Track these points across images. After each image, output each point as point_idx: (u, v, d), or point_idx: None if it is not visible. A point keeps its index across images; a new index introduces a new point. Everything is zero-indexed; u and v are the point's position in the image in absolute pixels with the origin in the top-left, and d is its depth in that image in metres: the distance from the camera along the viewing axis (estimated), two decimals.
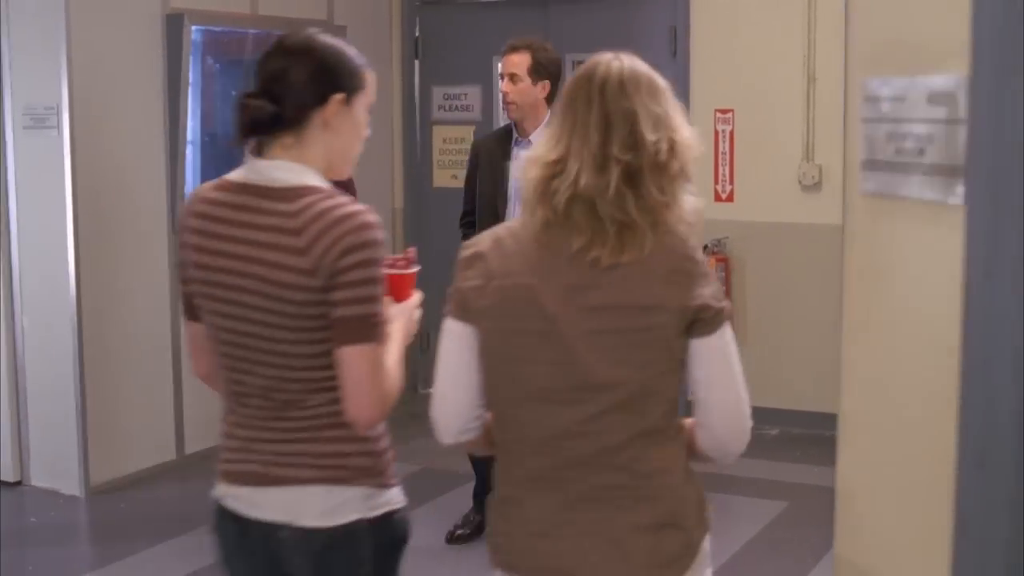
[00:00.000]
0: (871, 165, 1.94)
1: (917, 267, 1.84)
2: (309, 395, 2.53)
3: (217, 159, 7.10)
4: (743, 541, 5.58)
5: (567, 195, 2.31)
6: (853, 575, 2.06)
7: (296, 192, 2.48)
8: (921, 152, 1.81)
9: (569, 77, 2.56)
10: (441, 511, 5.77)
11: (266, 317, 2.47)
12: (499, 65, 5.03)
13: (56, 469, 6.29)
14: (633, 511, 2.31)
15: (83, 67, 6.05)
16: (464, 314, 2.41)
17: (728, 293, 7.25)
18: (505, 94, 5.02)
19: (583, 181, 2.31)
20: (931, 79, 1.78)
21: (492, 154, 5.16)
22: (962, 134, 1.70)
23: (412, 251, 2.70)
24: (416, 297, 2.74)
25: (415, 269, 2.70)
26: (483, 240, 2.45)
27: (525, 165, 2.43)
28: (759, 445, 6.83)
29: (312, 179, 2.53)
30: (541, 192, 2.35)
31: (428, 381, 8.71)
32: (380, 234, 2.48)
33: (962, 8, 1.67)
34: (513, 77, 4.98)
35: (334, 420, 2.53)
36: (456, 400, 2.46)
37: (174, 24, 6.40)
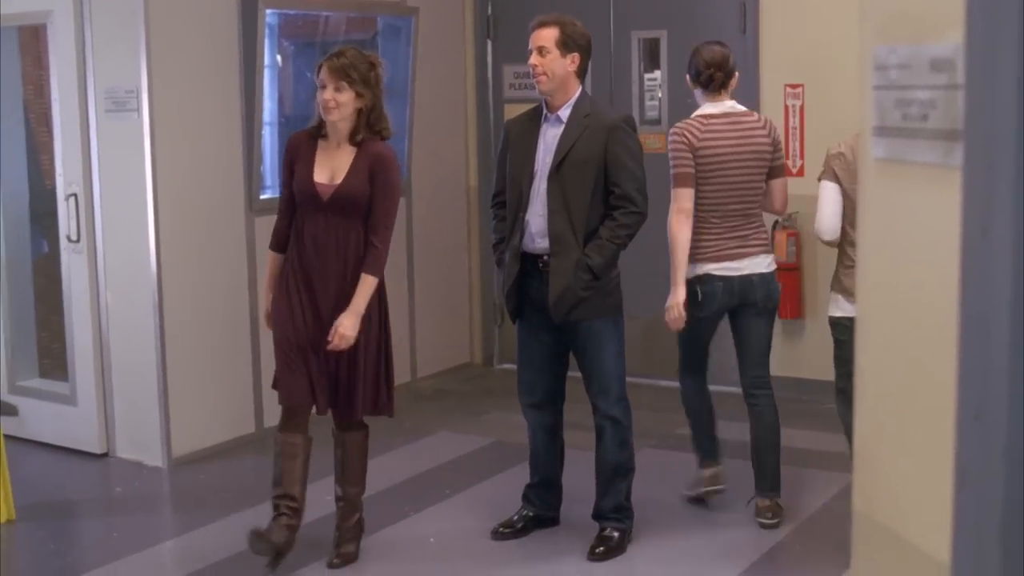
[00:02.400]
0: (881, 131, 2.01)
1: (922, 227, 1.91)
2: (756, 210, 5.41)
3: None
4: (809, 512, 5.61)
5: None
6: (868, 529, 2.13)
7: (748, 112, 5.42)
8: (925, 117, 1.87)
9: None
10: (513, 481, 5.87)
11: (751, 169, 5.32)
12: (529, 42, 5.05)
13: (140, 442, 6.50)
14: None
15: (161, 51, 6.23)
16: (835, 178, 5.16)
17: (799, 268, 7.27)
18: (534, 67, 5.00)
19: None
20: (933, 47, 1.85)
21: (522, 133, 5.16)
22: (961, 99, 1.76)
23: None
24: None
25: None
26: (843, 144, 5.20)
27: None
28: (829, 419, 6.88)
29: (742, 108, 5.41)
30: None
31: (502, 356, 8.89)
32: None
33: None
34: (541, 49, 4.98)
35: (763, 223, 5.47)
36: (832, 220, 5.20)
37: (249, 8, 6.55)
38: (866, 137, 2.04)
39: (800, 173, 7.23)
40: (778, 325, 7.31)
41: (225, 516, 5.71)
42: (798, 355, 7.36)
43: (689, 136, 5.24)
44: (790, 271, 7.22)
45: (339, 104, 4.81)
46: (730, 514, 5.65)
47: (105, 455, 6.60)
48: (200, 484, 6.21)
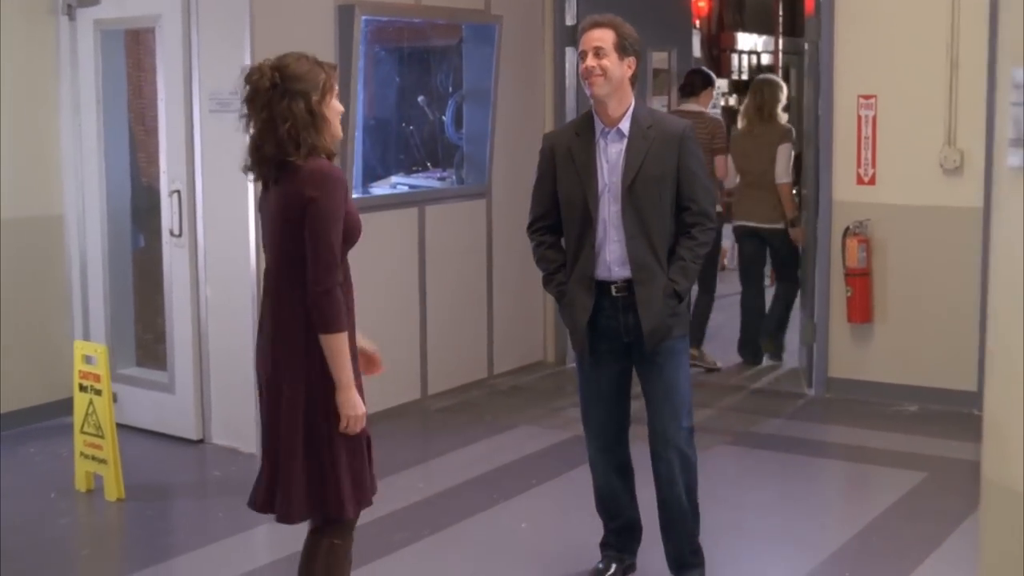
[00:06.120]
0: (1017, 143, 2.23)
1: None
2: None
3: (383, 143, 7.52)
4: (882, 508, 5.76)
5: None
6: (998, 496, 2.34)
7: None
8: None
9: None
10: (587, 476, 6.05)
11: None
12: (579, 44, 4.65)
13: (234, 429, 6.76)
14: None
15: (264, 55, 6.37)
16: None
17: (869, 273, 7.45)
18: (591, 68, 4.53)
19: None
20: None
21: (572, 150, 4.65)
22: None
23: None
24: None
25: None
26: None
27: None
28: (898, 420, 7.07)
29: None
30: None
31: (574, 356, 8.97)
32: None
33: None
34: (598, 51, 4.54)
35: None
36: None
37: (346, 15, 6.81)
38: (1002, 147, 2.26)
39: (872, 182, 7.41)
40: (848, 329, 7.55)
41: None
42: (868, 358, 7.55)
43: None
44: (861, 276, 7.41)
45: None
46: (800, 512, 5.83)
47: (200, 441, 6.86)
48: None
